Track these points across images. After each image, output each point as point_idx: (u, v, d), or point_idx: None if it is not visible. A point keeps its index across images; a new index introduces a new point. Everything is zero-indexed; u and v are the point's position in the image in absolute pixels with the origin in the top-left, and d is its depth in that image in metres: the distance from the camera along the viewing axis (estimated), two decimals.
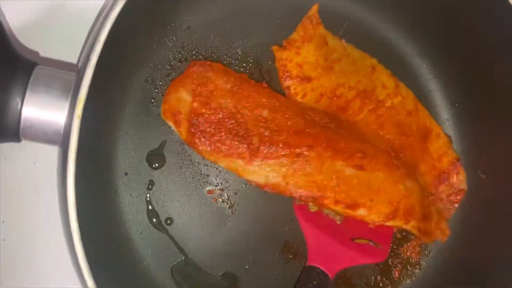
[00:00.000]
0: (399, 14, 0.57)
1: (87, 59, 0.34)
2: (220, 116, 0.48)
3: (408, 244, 0.57)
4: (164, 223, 0.54)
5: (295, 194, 0.49)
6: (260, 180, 0.49)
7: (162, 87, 0.54)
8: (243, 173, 0.49)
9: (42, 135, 0.39)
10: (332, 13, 0.57)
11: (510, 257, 0.51)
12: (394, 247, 0.56)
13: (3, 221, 0.53)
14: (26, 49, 0.52)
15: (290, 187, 0.48)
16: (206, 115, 0.48)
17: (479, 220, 0.56)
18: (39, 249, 0.53)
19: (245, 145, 0.48)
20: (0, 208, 0.53)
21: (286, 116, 0.50)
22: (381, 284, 0.56)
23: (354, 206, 0.49)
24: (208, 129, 0.48)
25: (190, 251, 0.54)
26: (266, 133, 0.48)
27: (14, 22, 0.52)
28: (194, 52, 0.55)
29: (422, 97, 0.58)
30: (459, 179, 0.56)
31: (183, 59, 0.55)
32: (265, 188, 0.49)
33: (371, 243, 0.53)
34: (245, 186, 0.55)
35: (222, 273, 0.54)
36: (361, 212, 0.49)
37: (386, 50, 0.58)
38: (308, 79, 0.54)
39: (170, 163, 0.54)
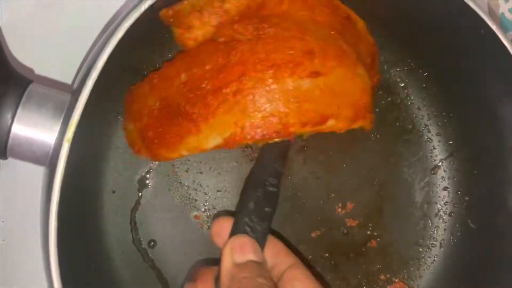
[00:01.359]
0: None
1: (83, 83, 0.33)
2: (154, 113, 0.43)
3: (391, 286, 0.56)
4: (147, 245, 0.53)
5: (256, 136, 0.40)
6: (218, 140, 0.41)
7: None
8: (202, 145, 0.42)
9: (29, 155, 0.38)
10: None
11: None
12: None
13: (3, 221, 0.53)
14: (21, 65, 0.52)
15: (247, 130, 0.40)
16: (147, 123, 0.44)
17: (472, 249, 0.55)
18: (39, 249, 0.52)
19: (183, 119, 0.41)
20: (0, 208, 0.52)
21: (200, 60, 0.42)
22: None
23: (322, 120, 0.41)
24: (153, 131, 0.43)
25: (170, 276, 0.53)
26: (191, 95, 0.41)
27: (11, 38, 0.51)
28: None
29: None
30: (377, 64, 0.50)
31: None
32: (228, 147, 0.41)
33: None
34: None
35: None
36: (330, 123, 0.42)
37: None
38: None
39: (159, 184, 0.53)
